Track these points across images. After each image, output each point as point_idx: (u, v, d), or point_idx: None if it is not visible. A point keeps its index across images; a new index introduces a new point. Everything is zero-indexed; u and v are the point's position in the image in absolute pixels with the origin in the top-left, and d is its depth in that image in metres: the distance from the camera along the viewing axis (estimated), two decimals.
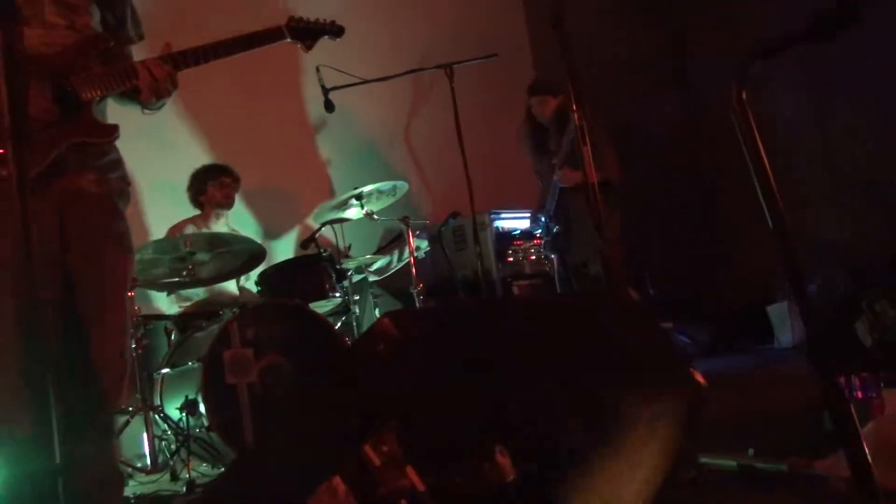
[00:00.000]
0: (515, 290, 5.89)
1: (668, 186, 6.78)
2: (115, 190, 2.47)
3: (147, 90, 2.35)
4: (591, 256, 4.99)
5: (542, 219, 5.13)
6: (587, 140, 2.00)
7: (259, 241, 5.24)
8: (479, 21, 6.47)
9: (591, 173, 2.00)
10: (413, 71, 4.75)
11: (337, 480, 1.20)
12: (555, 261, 5.23)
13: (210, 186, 4.84)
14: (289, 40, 2.57)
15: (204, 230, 4.74)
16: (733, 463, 2.28)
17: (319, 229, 4.47)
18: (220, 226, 4.86)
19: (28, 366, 2.12)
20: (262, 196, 5.68)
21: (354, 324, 4.45)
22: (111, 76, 2.29)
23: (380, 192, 4.53)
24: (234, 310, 3.74)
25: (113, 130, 2.36)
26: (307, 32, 2.60)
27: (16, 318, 2.13)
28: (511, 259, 5.96)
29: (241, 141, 5.50)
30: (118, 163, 2.45)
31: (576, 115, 2.02)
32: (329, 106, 4.68)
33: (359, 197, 4.46)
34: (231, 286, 4.72)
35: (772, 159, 1.31)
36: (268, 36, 2.51)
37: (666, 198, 6.73)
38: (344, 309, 4.35)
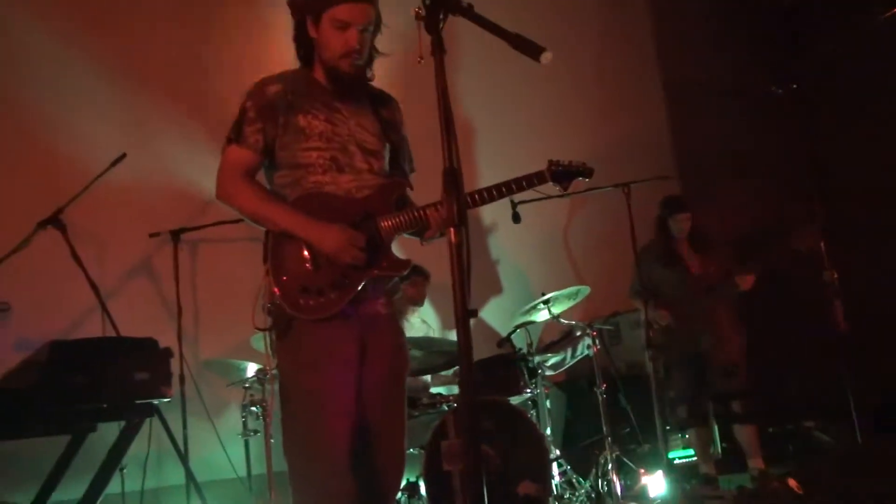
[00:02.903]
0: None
1: (800, 286, 6.70)
2: (398, 309, 2.73)
3: (435, 228, 2.57)
4: (740, 360, 5.01)
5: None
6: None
7: (437, 333, 5.49)
8: (633, 142, 6.66)
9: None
10: (594, 189, 4.90)
11: None
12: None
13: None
14: (550, 183, 2.67)
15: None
16: None
17: (514, 331, 4.66)
18: (414, 318, 5.12)
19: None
20: (439, 290, 5.91)
21: (537, 415, 4.59)
22: (407, 219, 2.52)
23: (564, 296, 4.71)
24: (452, 404, 3.95)
25: (407, 265, 2.60)
26: (565, 175, 2.69)
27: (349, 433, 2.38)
28: None
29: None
30: (397, 284, 2.71)
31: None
32: (516, 218, 4.88)
33: (546, 301, 4.65)
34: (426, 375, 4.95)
35: None
36: (533, 179, 2.63)
37: (802, 298, 6.65)
38: (532, 403, 4.50)
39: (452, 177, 1.47)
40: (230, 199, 2.51)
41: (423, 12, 1.54)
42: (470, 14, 1.51)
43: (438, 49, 1.51)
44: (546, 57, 1.48)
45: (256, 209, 2.49)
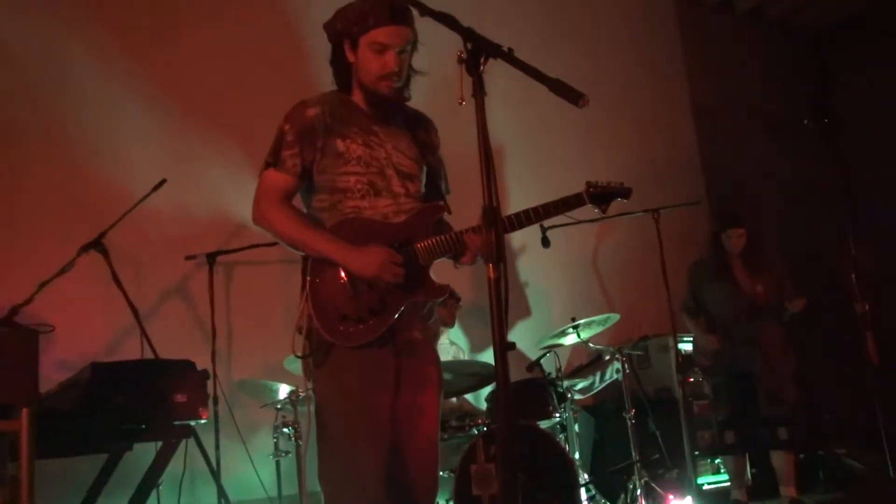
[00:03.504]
0: (695, 409, 5.90)
1: (832, 316, 6.64)
2: (433, 335, 2.74)
3: (472, 255, 2.55)
4: (787, 384, 4.96)
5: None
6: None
7: (467, 353, 5.52)
8: (663, 168, 6.68)
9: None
10: (624, 214, 4.92)
11: None
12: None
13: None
14: (588, 205, 2.60)
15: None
16: None
17: (543, 355, 4.69)
18: (443, 339, 5.14)
19: None
20: (468, 313, 5.94)
21: (565, 439, 4.59)
22: (444, 244, 2.50)
23: (594, 322, 4.73)
24: (482, 428, 3.97)
25: (445, 290, 2.59)
26: (603, 196, 2.61)
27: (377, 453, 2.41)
28: (692, 380, 5.97)
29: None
30: (433, 309, 2.70)
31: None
32: (546, 242, 4.91)
33: (575, 326, 4.67)
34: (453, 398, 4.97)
35: None
36: (571, 202, 2.56)
37: (833, 327, 6.59)
38: (561, 427, 4.51)
39: (492, 213, 1.51)
40: (268, 224, 2.51)
41: (465, 55, 1.59)
42: (510, 58, 1.56)
43: (479, 90, 1.56)
44: (584, 101, 1.52)
45: (294, 234, 2.48)
